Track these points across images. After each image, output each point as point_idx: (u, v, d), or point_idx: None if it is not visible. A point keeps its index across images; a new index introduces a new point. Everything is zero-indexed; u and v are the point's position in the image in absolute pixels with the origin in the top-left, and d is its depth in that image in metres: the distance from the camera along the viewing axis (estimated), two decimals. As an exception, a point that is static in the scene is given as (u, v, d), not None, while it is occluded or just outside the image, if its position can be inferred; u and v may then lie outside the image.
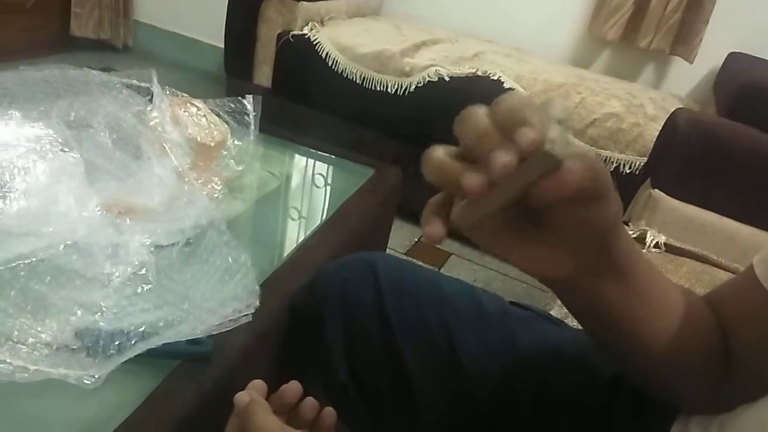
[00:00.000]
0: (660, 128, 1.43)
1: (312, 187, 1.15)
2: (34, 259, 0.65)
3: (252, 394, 0.52)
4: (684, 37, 2.29)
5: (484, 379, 0.64)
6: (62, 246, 0.68)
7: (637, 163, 1.78)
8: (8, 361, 0.54)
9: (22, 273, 0.64)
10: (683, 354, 0.48)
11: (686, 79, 2.41)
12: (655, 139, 1.48)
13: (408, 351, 0.66)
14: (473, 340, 0.66)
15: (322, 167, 1.23)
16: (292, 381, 0.56)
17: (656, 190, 1.29)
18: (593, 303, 0.46)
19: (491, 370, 0.64)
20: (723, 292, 0.53)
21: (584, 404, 0.62)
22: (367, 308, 0.68)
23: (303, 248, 0.89)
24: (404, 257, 1.86)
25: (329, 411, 0.56)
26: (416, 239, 1.96)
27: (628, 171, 1.80)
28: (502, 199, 0.35)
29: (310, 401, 0.55)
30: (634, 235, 1.16)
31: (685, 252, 1.12)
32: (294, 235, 0.99)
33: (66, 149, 0.79)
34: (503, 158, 0.33)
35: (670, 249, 1.13)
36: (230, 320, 0.61)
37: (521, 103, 0.35)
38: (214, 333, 0.61)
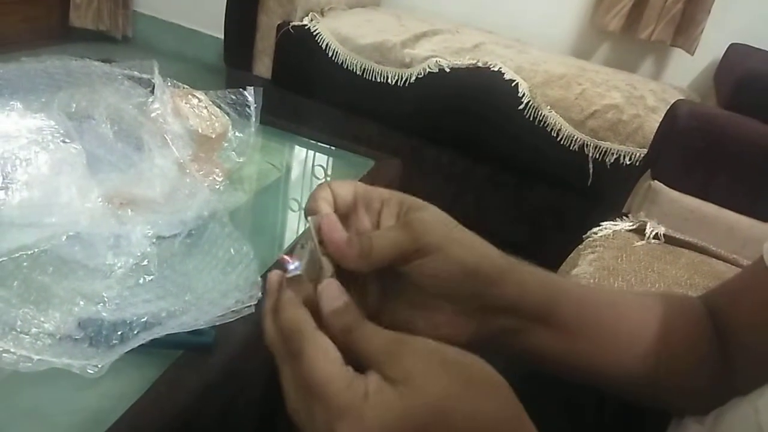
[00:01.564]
0: (660, 120, 1.43)
1: (312, 178, 1.15)
2: (36, 250, 0.66)
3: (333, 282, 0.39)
4: (685, 28, 2.28)
5: None
6: (64, 237, 0.68)
7: (638, 154, 1.79)
8: (12, 350, 0.55)
9: (24, 264, 0.64)
10: (671, 367, 0.47)
11: (687, 71, 2.41)
12: (655, 131, 1.48)
13: None
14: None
15: (322, 158, 1.23)
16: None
17: (656, 181, 1.29)
18: (540, 358, 0.46)
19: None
20: (723, 293, 0.52)
21: (578, 397, 0.62)
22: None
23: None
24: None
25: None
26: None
27: (628, 162, 1.81)
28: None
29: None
30: (634, 227, 1.16)
31: (684, 243, 1.12)
32: (294, 226, 1.00)
33: (67, 140, 0.79)
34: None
35: (669, 240, 1.13)
36: (232, 311, 0.62)
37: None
38: (217, 324, 0.61)
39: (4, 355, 0.54)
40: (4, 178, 0.73)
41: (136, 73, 0.93)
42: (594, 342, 0.46)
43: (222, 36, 2.32)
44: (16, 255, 0.64)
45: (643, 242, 1.12)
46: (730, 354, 0.48)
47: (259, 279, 0.67)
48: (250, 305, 0.62)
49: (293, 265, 0.41)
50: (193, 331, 0.61)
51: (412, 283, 0.42)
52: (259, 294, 0.64)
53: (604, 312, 0.48)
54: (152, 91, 0.91)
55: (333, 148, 1.24)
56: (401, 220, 0.43)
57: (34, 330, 0.58)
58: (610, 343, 0.47)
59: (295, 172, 1.15)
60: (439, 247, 0.41)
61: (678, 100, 1.38)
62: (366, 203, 0.45)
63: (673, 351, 0.47)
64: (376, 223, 0.45)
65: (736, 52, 2.08)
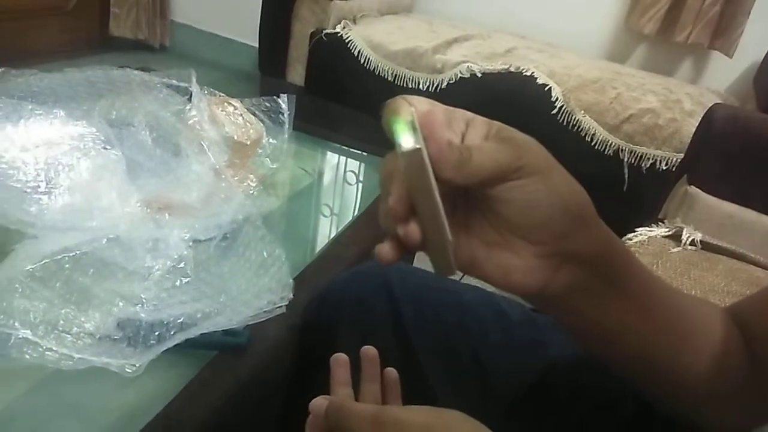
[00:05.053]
0: (697, 124, 1.41)
1: (344, 183, 1.16)
2: (78, 253, 0.68)
3: (325, 397, 0.47)
4: (723, 30, 2.24)
5: (513, 386, 0.62)
6: (105, 240, 0.71)
7: (674, 159, 1.76)
8: (54, 349, 0.57)
9: (66, 266, 0.66)
10: (725, 379, 0.45)
11: (726, 74, 2.36)
12: (692, 135, 1.46)
13: (427, 360, 0.64)
14: (499, 347, 0.63)
15: (354, 164, 1.24)
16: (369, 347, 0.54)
17: (692, 186, 1.27)
18: (591, 324, 0.43)
19: (520, 378, 0.62)
20: (756, 302, 0.49)
21: (617, 410, 0.59)
22: (382, 319, 0.65)
23: (334, 244, 0.91)
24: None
25: (390, 370, 0.54)
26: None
27: (664, 167, 1.78)
28: (438, 224, 0.36)
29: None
30: (670, 233, 1.14)
31: (721, 249, 1.10)
32: (326, 230, 1.01)
33: (108, 147, 0.82)
34: (405, 234, 0.37)
35: (706, 246, 1.11)
36: (265, 312, 0.63)
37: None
38: (249, 323, 0.62)
39: (47, 353, 0.57)
40: (47, 184, 0.75)
41: (174, 81, 0.96)
42: (661, 327, 0.44)
43: (257, 44, 2.36)
44: (59, 257, 0.66)
45: (680, 248, 1.11)
46: (759, 370, 0.46)
47: (291, 281, 0.68)
48: (282, 306, 0.63)
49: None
50: (227, 332, 0.63)
51: (495, 216, 0.39)
52: (291, 295, 0.65)
53: (674, 300, 0.46)
54: (189, 99, 0.93)
55: (365, 153, 1.25)
56: (498, 136, 0.38)
57: (75, 329, 0.60)
58: (676, 334, 0.44)
59: (328, 177, 1.17)
60: (542, 170, 0.37)
61: (715, 103, 1.35)
62: (448, 122, 0.40)
63: (731, 363, 0.46)
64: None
65: (776, 54, 2.03)
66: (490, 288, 0.46)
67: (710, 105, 1.36)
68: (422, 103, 0.40)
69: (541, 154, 0.38)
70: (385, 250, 0.38)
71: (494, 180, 0.37)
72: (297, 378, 0.70)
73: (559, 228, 0.38)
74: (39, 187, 0.75)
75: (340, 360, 0.52)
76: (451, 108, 0.41)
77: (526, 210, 0.38)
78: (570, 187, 0.39)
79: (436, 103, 0.41)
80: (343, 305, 0.67)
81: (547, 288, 0.40)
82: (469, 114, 0.41)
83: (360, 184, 1.18)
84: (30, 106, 0.82)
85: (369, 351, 0.53)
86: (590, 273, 0.40)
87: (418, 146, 0.35)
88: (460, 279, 0.60)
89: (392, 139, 0.36)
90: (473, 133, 0.39)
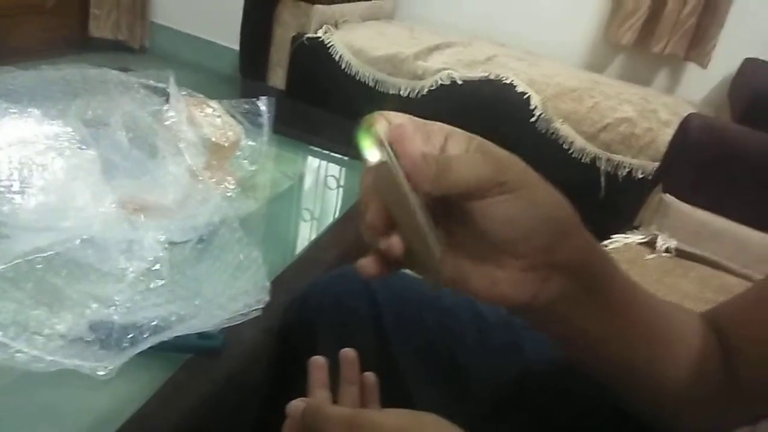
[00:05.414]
0: (673, 133, 1.43)
1: (324, 187, 1.16)
2: (51, 253, 0.67)
3: (303, 399, 0.48)
4: (698, 42, 2.28)
5: (490, 388, 0.62)
6: (78, 241, 0.70)
7: (650, 168, 1.78)
8: (25, 350, 0.56)
9: (39, 266, 0.65)
10: (702, 383, 0.46)
11: (701, 85, 2.40)
12: (667, 144, 1.48)
13: (406, 363, 0.64)
14: (477, 350, 0.64)
15: (334, 168, 1.24)
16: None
17: (667, 194, 1.29)
18: (576, 334, 0.43)
19: (497, 379, 0.62)
20: (731, 309, 0.50)
21: (595, 414, 0.61)
22: (362, 321, 0.65)
23: (314, 246, 0.90)
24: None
25: (369, 375, 0.54)
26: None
27: (641, 176, 1.80)
28: (421, 237, 0.36)
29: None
30: (645, 240, 1.16)
31: (695, 257, 1.12)
32: (305, 233, 1.01)
33: (83, 147, 0.81)
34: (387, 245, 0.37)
35: (680, 254, 1.12)
36: (240, 314, 0.63)
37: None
38: (225, 326, 0.62)
39: (17, 354, 0.56)
40: (21, 183, 0.74)
41: (152, 82, 0.95)
42: (641, 334, 0.44)
43: (238, 48, 2.35)
44: (31, 257, 0.65)
45: (654, 255, 1.12)
46: (735, 374, 0.47)
47: (268, 284, 0.68)
48: (258, 309, 0.63)
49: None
50: (201, 335, 0.62)
51: (475, 229, 0.38)
52: (267, 298, 0.65)
53: (653, 307, 0.46)
54: (167, 100, 0.92)
55: (345, 158, 1.25)
56: (479, 150, 0.38)
57: (46, 331, 0.59)
58: (656, 340, 0.45)
59: (308, 180, 1.17)
60: (523, 185, 0.37)
61: (690, 113, 1.38)
62: (424, 136, 0.39)
63: (709, 367, 0.46)
64: None
65: (750, 66, 2.07)
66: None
67: (686, 115, 1.39)
68: (397, 118, 0.39)
69: (522, 169, 0.37)
70: (367, 264, 0.38)
71: (472, 193, 0.36)
72: (276, 380, 0.69)
73: (541, 241, 0.38)
74: (12, 186, 0.74)
75: (318, 362, 0.52)
76: (430, 122, 0.40)
77: (507, 225, 0.37)
78: (551, 199, 0.38)
79: (414, 118, 0.40)
80: (324, 307, 0.67)
81: (535, 299, 0.40)
82: (448, 127, 0.40)
83: (340, 189, 1.18)
84: (4, 105, 0.81)
85: (348, 353, 0.53)
86: (576, 282, 0.40)
87: (384, 160, 0.35)
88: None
89: (361, 154, 0.37)
90: (453, 147, 0.39)
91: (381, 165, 0.35)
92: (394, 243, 0.37)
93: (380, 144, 0.36)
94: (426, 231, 0.35)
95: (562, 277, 0.40)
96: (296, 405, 0.45)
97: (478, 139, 0.39)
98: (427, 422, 0.40)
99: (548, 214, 0.38)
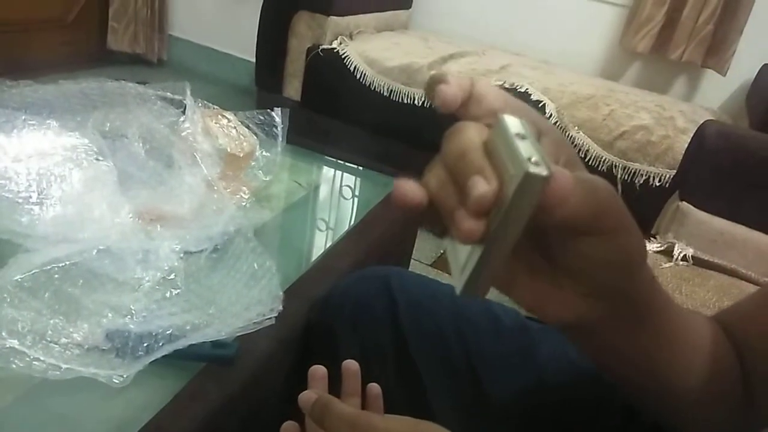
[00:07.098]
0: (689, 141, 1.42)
1: (338, 196, 1.17)
2: (68, 263, 0.68)
3: (317, 392, 0.51)
4: (716, 49, 2.26)
5: (503, 393, 0.63)
6: (95, 251, 0.71)
7: (667, 175, 1.77)
8: (42, 359, 0.56)
9: (56, 276, 0.66)
10: (714, 388, 0.46)
11: (718, 92, 2.38)
12: (684, 152, 1.47)
13: (423, 365, 0.65)
14: (491, 354, 0.65)
15: (348, 178, 1.25)
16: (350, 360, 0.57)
17: (684, 202, 1.28)
18: (608, 347, 0.43)
19: (510, 384, 0.63)
20: (742, 311, 0.50)
21: (603, 420, 0.60)
22: (381, 323, 0.67)
23: (327, 256, 0.91)
24: (429, 268, 1.87)
25: (373, 386, 0.56)
26: (442, 251, 1.96)
27: (657, 184, 1.79)
28: (501, 248, 0.31)
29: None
30: (662, 248, 1.15)
31: (713, 265, 1.11)
32: (319, 243, 1.01)
33: (100, 158, 0.82)
34: (479, 188, 0.30)
35: (698, 262, 1.11)
36: (254, 323, 0.63)
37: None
38: (238, 335, 0.62)
39: (34, 363, 0.56)
40: (39, 194, 0.76)
41: (168, 94, 0.96)
42: (668, 344, 0.44)
43: (254, 60, 2.37)
44: (48, 268, 0.66)
45: (672, 264, 1.11)
46: (748, 375, 0.47)
47: (281, 293, 0.68)
48: (271, 318, 0.63)
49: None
50: (215, 344, 0.62)
51: (546, 252, 0.36)
52: (280, 307, 0.65)
53: (679, 319, 0.45)
54: (184, 112, 0.93)
55: (360, 168, 1.26)
56: (579, 179, 0.32)
57: (63, 340, 0.60)
58: (679, 349, 0.45)
59: (321, 190, 1.17)
60: (618, 231, 0.34)
61: (707, 120, 1.37)
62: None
63: (721, 368, 0.46)
64: None
65: (768, 73, 2.05)
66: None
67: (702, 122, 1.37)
68: (497, 98, 0.36)
69: (615, 209, 0.34)
70: (411, 189, 0.34)
71: (563, 230, 0.33)
72: (297, 381, 0.70)
73: (613, 279, 0.37)
74: (31, 197, 0.75)
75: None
76: (525, 106, 0.36)
77: (584, 259, 0.35)
78: (637, 245, 0.37)
79: (511, 97, 0.37)
80: (344, 309, 0.70)
81: (580, 320, 0.39)
82: (542, 122, 0.36)
83: (355, 198, 1.18)
84: (23, 117, 0.82)
85: (350, 365, 0.56)
86: (624, 309, 0.40)
87: (547, 174, 0.28)
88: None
89: (510, 148, 0.30)
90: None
91: (539, 176, 0.28)
92: (478, 227, 0.30)
93: (534, 147, 0.30)
94: (512, 245, 0.31)
95: (613, 303, 0.39)
96: (308, 396, 0.48)
97: (567, 151, 0.37)
98: (427, 430, 0.41)
99: (630, 257, 0.37)
